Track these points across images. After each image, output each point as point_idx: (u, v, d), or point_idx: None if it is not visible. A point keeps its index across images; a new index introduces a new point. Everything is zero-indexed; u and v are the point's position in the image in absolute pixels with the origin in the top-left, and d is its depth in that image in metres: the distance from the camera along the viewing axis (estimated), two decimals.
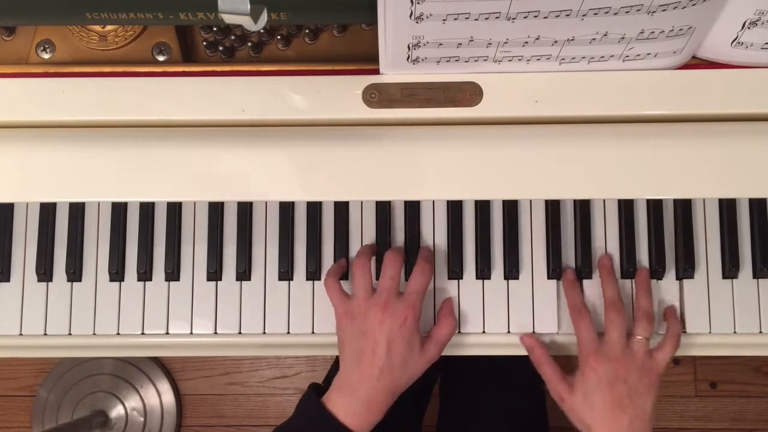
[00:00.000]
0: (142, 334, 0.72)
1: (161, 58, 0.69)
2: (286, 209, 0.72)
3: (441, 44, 0.59)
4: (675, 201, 0.72)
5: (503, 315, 0.71)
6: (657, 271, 0.71)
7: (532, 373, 0.91)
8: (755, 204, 0.71)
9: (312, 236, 0.72)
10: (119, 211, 0.73)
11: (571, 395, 0.66)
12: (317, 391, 0.66)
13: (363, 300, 0.65)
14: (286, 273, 0.72)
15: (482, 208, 0.72)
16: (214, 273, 0.72)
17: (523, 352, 0.72)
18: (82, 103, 0.65)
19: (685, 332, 0.70)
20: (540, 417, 0.89)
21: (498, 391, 0.88)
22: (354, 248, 0.72)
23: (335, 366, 0.98)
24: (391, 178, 0.65)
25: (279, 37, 0.69)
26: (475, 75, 0.64)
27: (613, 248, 0.72)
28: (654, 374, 0.65)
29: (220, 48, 0.69)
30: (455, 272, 0.71)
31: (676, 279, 0.71)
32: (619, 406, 0.62)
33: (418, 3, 0.53)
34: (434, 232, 0.72)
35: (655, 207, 0.72)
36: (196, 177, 0.65)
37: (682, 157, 0.64)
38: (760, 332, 0.70)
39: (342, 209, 0.73)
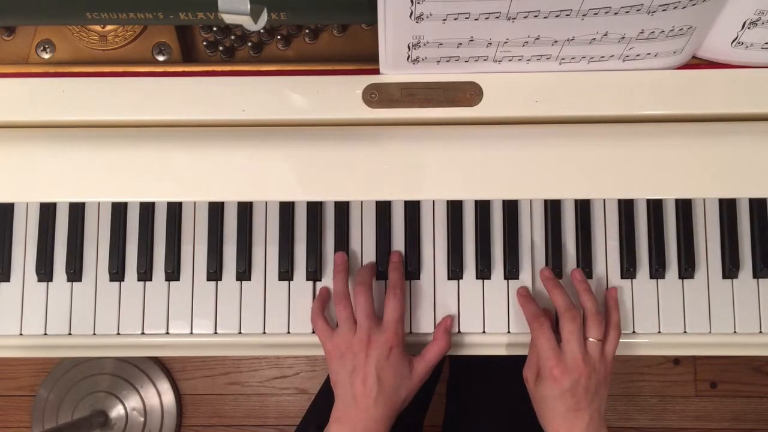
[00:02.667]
0: (142, 334, 0.72)
1: (161, 58, 0.69)
2: (286, 209, 0.72)
3: (441, 44, 0.59)
4: (675, 201, 0.72)
5: (503, 315, 0.71)
6: (657, 271, 0.71)
7: None
8: (755, 204, 0.71)
9: (312, 236, 0.72)
10: (119, 211, 0.73)
11: (535, 388, 0.67)
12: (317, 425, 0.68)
13: (348, 336, 0.67)
14: (286, 273, 0.72)
15: (482, 208, 0.72)
16: (214, 273, 0.72)
17: (522, 352, 0.72)
18: (82, 103, 0.65)
19: (685, 332, 0.71)
20: None
21: (503, 391, 0.88)
22: (354, 248, 0.72)
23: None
24: (391, 178, 0.65)
25: (279, 37, 0.69)
26: (475, 75, 0.64)
27: (613, 248, 0.72)
28: (608, 371, 0.67)
29: (220, 48, 0.69)
30: (455, 272, 0.71)
31: (677, 279, 0.71)
32: (578, 408, 0.64)
33: (418, 3, 0.53)
34: (434, 232, 0.72)
35: (655, 207, 0.72)
36: (196, 177, 0.65)
37: (682, 157, 0.64)
38: (760, 332, 0.70)
39: (342, 209, 0.73)
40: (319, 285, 0.72)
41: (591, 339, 0.66)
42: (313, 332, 0.71)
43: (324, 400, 0.90)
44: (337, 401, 0.67)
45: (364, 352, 0.65)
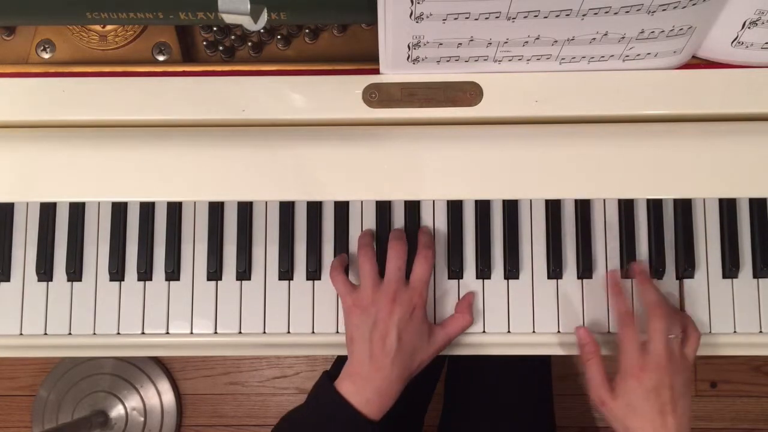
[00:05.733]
0: (142, 333, 0.72)
1: (161, 58, 0.69)
2: (286, 209, 0.73)
3: (441, 44, 0.59)
4: (675, 201, 0.72)
5: (503, 315, 0.71)
6: (657, 270, 0.71)
7: (538, 373, 0.91)
8: (755, 204, 0.71)
9: (312, 236, 0.72)
10: (119, 211, 0.73)
11: (614, 401, 0.65)
12: (330, 378, 0.66)
13: (371, 290, 0.65)
14: (286, 273, 0.72)
15: (482, 208, 0.72)
16: (214, 273, 0.72)
17: (522, 351, 0.72)
18: (82, 103, 0.65)
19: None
20: (546, 418, 0.89)
21: (502, 392, 0.88)
22: (354, 248, 0.72)
23: (335, 365, 0.98)
24: (391, 178, 0.65)
25: (279, 37, 0.69)
26: (475, 75, 0.64)
27: (613, 248, 0.72)
28: (689, 372, 0.65)
29: (220, 48, 0.69)
30: (455, 272, 0.71)
31: (676, 279, 0.71)
32: (664, 412, 0.62)
33: (418, 3, 0.53)
34: (434, 233, 0.72)
35: (655, 207, 0.72)
36: (196, 177, 0.65)
37: (682, 157, 0.64)
38: (760, 332, 0.70)
39: (342, 209, 0.73)
40: (319, 285, 0.72)
41: (671, 336, 0.64)
42: (313, 332, 0.71)
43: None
44: (351, 357, 0.65)
45: (388, 308, 0.64)
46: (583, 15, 0.54)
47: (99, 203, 0.73)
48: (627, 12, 0.54)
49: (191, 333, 0.72)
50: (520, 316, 0.71)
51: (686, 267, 0.71)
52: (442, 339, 0.67)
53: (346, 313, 0.67)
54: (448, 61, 0.61)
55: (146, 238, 0.72)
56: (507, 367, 0.88)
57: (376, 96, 0.64)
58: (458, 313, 0.69)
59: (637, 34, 0.57)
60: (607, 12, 0.54)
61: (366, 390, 0.63)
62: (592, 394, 0.67)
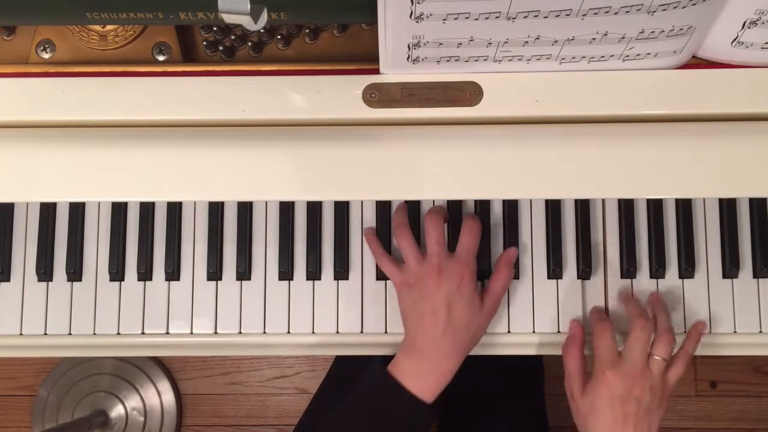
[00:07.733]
0: (142, 333, 0.72)
1: (161, 58, 0.69)
2: (286, 209, 0.72)
3: (441, 44, 0.59)
4: (675, 201, 0.72)
5: (503, 315, 0.71)
6: (657, 271, 0.71)
7: (531, 372, 0.91)
8: (755, 204, 0.71)
9: (312, 236, 0.72)
10: (119, 211, 0.73)
11: (582, 399, 0.66)
12: (384, 360, 0.66)
13: (416, 267, 0.65)
14: (286, 273, 0.72)
15: (482, 208, 0.72)
16: (214, 273, 0.72)
17: (522, 352, 0.72)
18: (82, 103, 0.65)
19: (685, 332, 0.70)
20: (540, 417, 0.89)
21: (499, 392, 0.88)
22: (354, 248, 0.72)
23: (335, 366, 0.98)
24: (391, 178, 0.65)
25: (279, 37, 0.69)
26: (475, 75, 0.64)
27: (613, 248, 0.72)
28: (666, 394, 0.65)
29: (220, 48, 0.69)
30: None
31: (677, 279, 0.71)
32: (626, 422, 0.62)
33: (418, 3, 0.53)
34: None
35: (655, 207, 0.72)
36: (196, 177, 0.65)
37: (682, 157, 0.64)
38: (760, 332, 0.70)
39: (342, 209, 0.73)
40: (319, 285, 0.72)
41: (656, 356, 0.64)
42: (313, 332, 0.71)
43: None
44: (406, 333, 0.66)
45: (434, 281, 0.63)
46: (583, 15, 0.54)
47: (99, 203, 0.73)
48: (627, 12, 0.54)
49: (191, 333, 0.72)
50: (520, 317, 0.71)
51: (686, 267, 0.71)
52: (491, 303, 0.66)
53: (398, 291, 0.67)
54: (448, 61, 0.61)
55: (146, 238, 0.72)
56: (503, 367, 0.88)
57: (376, 96, 0.64)
58: (499, 270, 0.67)
59: (637, 34, 0.57)
60: (607, 12, 0.54)
61: (420, 365, 0.63)
62: (566, 386, 0.68)
